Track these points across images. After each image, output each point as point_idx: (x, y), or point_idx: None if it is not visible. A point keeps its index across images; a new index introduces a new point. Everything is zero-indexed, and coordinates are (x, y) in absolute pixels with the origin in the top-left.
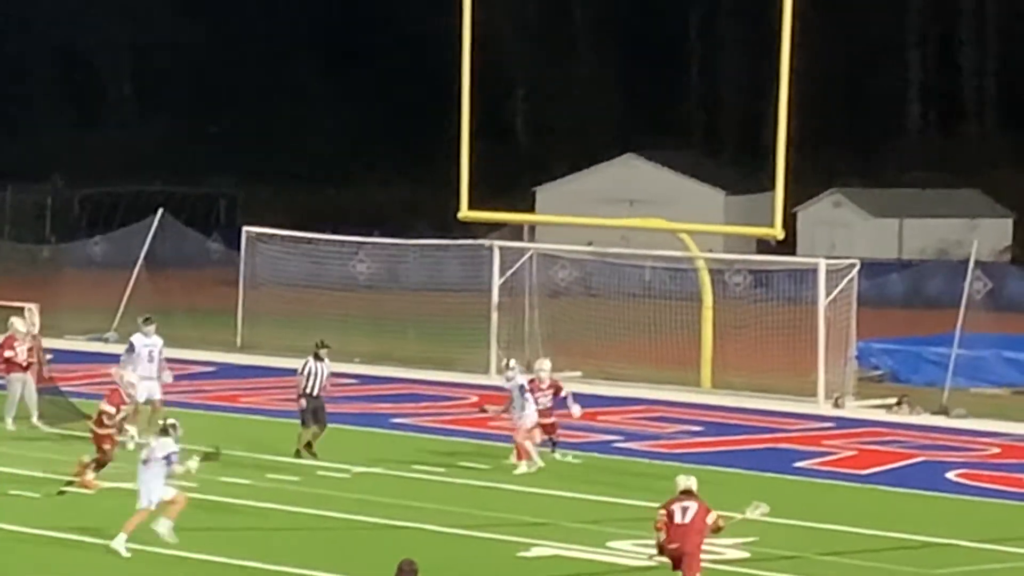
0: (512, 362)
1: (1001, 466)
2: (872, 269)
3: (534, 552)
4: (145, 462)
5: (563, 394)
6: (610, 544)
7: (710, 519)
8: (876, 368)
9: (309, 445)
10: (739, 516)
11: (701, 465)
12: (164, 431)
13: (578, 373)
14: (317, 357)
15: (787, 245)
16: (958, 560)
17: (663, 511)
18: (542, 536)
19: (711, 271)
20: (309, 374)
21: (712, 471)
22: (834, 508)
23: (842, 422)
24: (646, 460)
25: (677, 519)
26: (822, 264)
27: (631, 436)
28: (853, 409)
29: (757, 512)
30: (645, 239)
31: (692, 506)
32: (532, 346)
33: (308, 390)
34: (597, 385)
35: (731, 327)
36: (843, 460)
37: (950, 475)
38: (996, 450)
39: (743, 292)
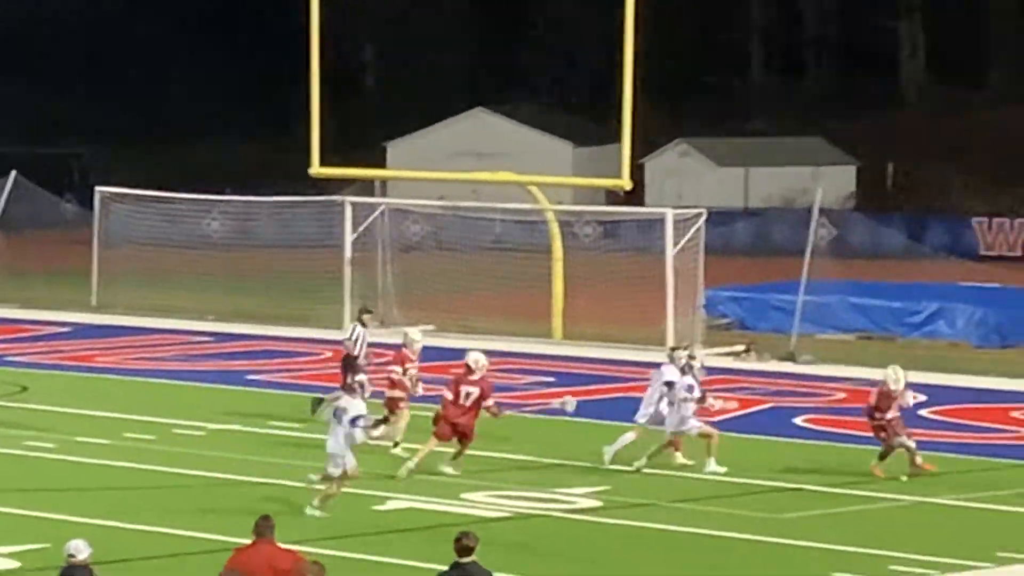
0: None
1: (848, 411)
2: (719, 218)
3: (389, 505)
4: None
5: None
6: (464, 496)
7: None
8: (724, 316)
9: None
10: (552, 404)
11: (553, 416)
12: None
13: (431, 326)
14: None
15: (635, 196)
16: (806, 504)
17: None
18: (397, 489)
19: (560, 223)
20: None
21: (565, 421)
22: (684, 455)
23: None
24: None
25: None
26: (669, 214)
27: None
28: (702, 357)
29: (566, 406)
30: (495, 192)
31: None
32: (386, 300)
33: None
34: (450, 338)
35: (581, 278)
36: None
37: (798, 420)
38: (842, 395)
39: (592, 243)
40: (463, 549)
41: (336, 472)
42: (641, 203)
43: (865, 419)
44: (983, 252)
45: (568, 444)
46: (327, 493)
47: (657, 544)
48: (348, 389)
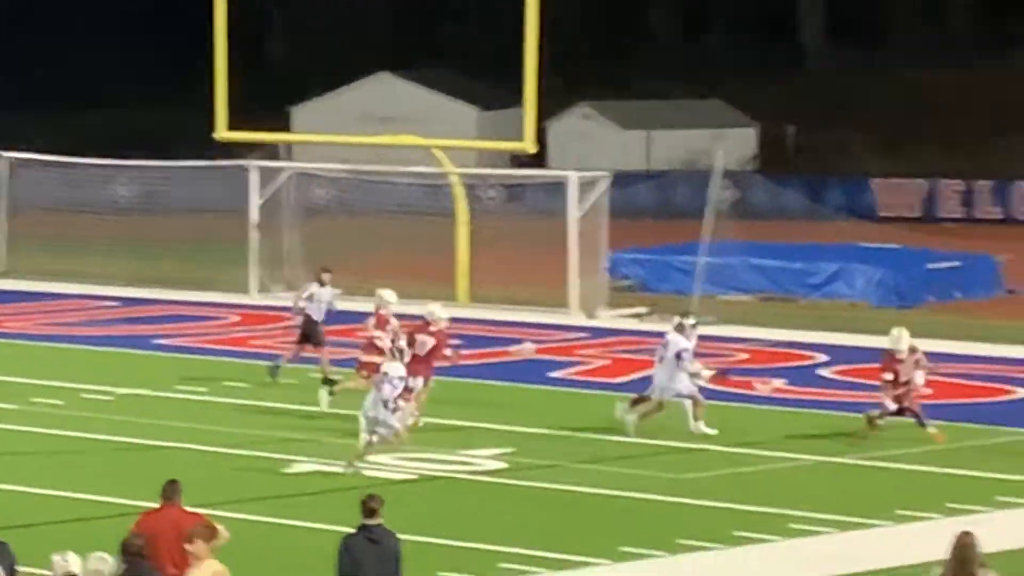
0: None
1: (750, 371)
2: (622, 180)
3: (295, 468)
4: None
5: None
6: (369, 458)
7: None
8: (627, 278)
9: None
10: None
11: (460, 378)
12: None
13: (338, 290)
14: (320, 282)
15: (539, 159)
16: (710, 465)
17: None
18: (303, 452)
19: (465, 186)
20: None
21: (470, 383)
22: (589, 417)
23: (595, 332)
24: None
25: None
26: (573, 177)
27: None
28: (605, 319)
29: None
30: (400, 156)
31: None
32: (291, 264)
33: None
34: (357, 301)
35: (485, 241)
36: (597, 369)
37: (701, 381)
38: (745, 356)
39: (497, 206)
40: (368, 511)
41: (388, 435)
42: (545, 166)
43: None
44: (882, 213)
45: (474, 406)
46: (361, 452)
47: (561, 505)
48: (390, 354)
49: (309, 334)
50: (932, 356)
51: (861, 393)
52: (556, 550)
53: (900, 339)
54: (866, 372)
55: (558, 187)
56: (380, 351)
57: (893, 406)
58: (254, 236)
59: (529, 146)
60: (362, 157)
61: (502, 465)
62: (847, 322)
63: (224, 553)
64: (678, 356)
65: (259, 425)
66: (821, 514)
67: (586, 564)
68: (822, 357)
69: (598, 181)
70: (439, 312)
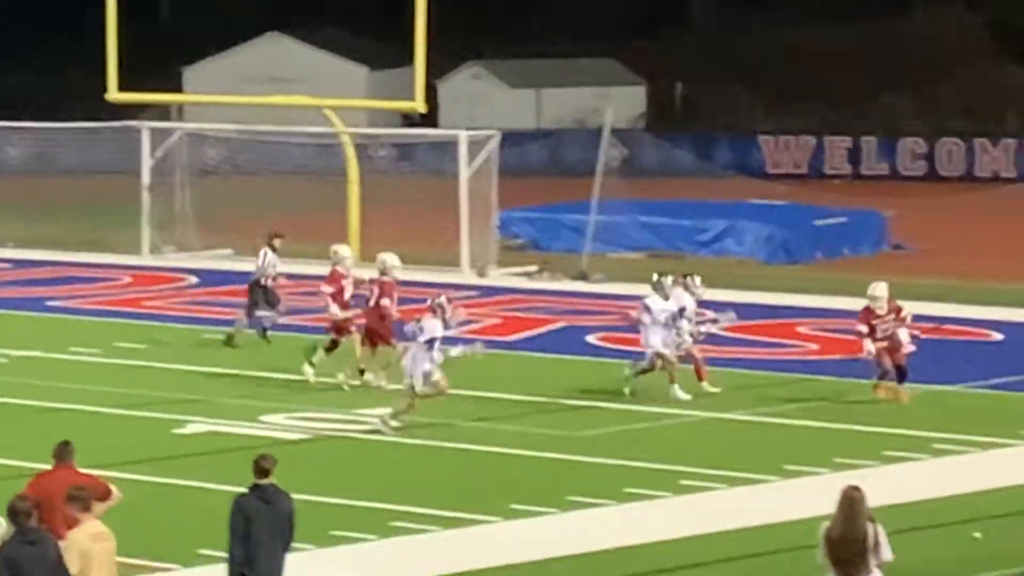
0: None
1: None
2: (512, 139)
3: (189, 429)
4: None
5: None
6: (262, 418)
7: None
8: (517, 236)
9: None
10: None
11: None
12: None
13: (229, 250)
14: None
15: (429, 119)
16: (599, 422)
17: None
18: (196, 412)
19: (356, 146)
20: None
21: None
22: (481, 375)
23: (486, 291)
24: (298, 335)
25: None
26: (463, 136)
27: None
28: (496, 277)
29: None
30: (291, 116)
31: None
32: (183, 225)
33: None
34: (248, 262)
35: (376, 200)
36: (488, 328)
37: (590, 338)
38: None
39: (387, 166)
40: (261, 471)
41: (428, 388)
42: (435, 126)
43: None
44: (770, 170)
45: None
46: (399, 410)
47: (454, 463)
48: (429, 310)
49: (263, 298)
50: (820, 312)
51: (750, 349)
52: (448, 508)
53: (876, 292)
54: (755, 329)
55: (448, 146)
56: (346, 305)
57: (890, 365)
58: (146, 197)
59: (419, 106)
60: (253, 117)
61: (395, 424)
62: (736, 279)
63: (117, 514)
64: (680, 312)
65: (152, 386)
66: (711, 470)
67: (478, 522)
68: (711, 314)
69: (488, 140)
70: (343, 251)
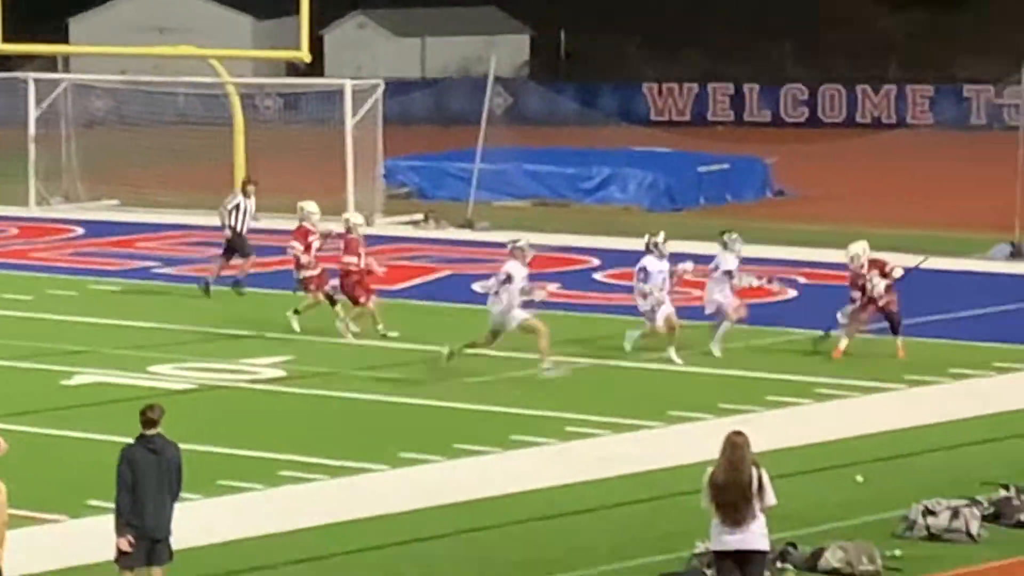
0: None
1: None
2: (397, 88)
3: (76, 380)
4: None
5: None
6: (151, 369)
7: None
8: (403, 185)
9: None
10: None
11: (234, 287)
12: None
13: (116, 201)
14: (245, 194)
15: (315, 68)
16: (485, 369)
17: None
18: (84, 363)
19: (241, 96)
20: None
21: (250, 292)
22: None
23: (372, 239)
24: (186, 285)
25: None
26: (348, 85)
27: (169, 261)
28: (382, 226)
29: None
30: (177, 67)
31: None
32: (70, 176)
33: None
34: (134, 212)
35: (262, 150)
36: (374, 278)
37: (476, 287)
38: None
39: (273, 115)
40: (148, 422)
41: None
42: (321, 75)
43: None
44: (653, 118)
45: (252, 315)
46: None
47: (340, 412)
48: (511, 254)
49: (235, 247)
50: (703, 259)
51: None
52: (335, 457)
53: (852, 253)
54: None
55: (334, 96)
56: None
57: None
58: (32, 149)
59: (304, 55)
60: (139, 68)
61: (281, 373)
62: (620, 226)
63: (3, 465)
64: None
65: (40, 337)
66: (596, 416)
67: (365, 470)
68: (595, 261)
69: (373, 89)
70: (310, 207)
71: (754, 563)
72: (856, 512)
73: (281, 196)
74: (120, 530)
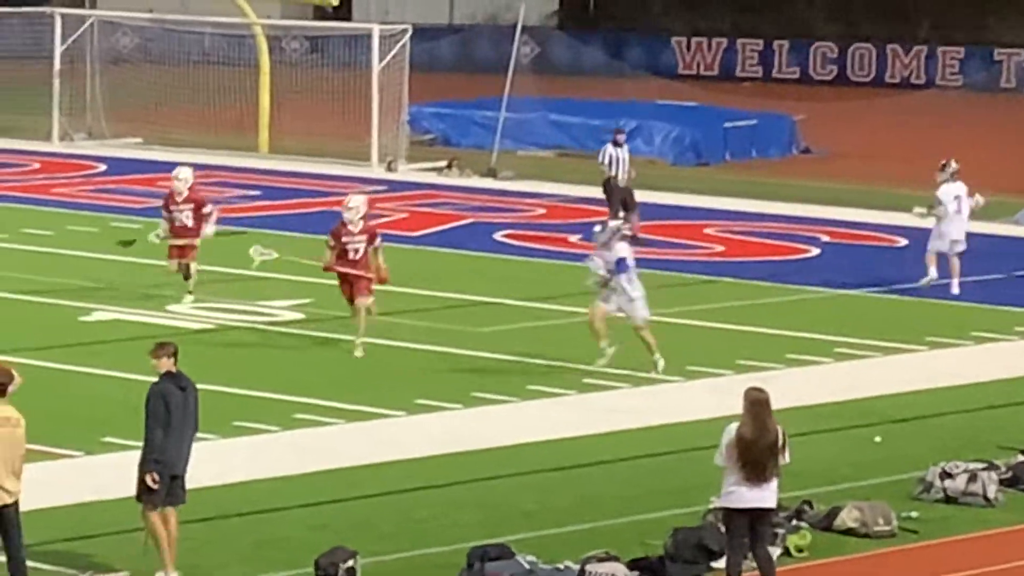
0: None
1: (546, 226)
2: (424, 34)
3: (95, 316)
4: None
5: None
6: (169, 308)
7: None
8: (427, 132)
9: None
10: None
11: (262, 229)
12: None
13: (139, 139)
14: None
15: (342, 12)
16: (504, 318)
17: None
18: (102, 300)
19: (268, 37)
20: None
21: (270, 234)
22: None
23: (394, 185)
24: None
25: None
26: (375, 29)
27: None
28: (405, 172)
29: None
30: (204, 6)
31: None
32: (94, 113)
33: None
34: (156, 151)
35: (288, 92)
36: (395, 223)
37: (498, 236)
38: (542, 211)
39: (299, 58)
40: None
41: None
42: (348, 19)
43: None
44: (681, 71)
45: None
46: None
47: (359, 357)
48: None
49: None
50: (727, 214)
51: (657, 250)
52: (351, 401)
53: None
54: (662, 229)
55: (361, 40)
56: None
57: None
58: (56, 84)
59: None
60: (166, 6)
61: (299, 316)
62: (645, 179)
63: (20, 399)
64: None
65: (60, 273)
66: (614, 369)
67: (381, 416)
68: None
69: (400, 35)
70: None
71: (765, 520)
72: (873, 472)
73: (305, 139)
74: (148, 466)
